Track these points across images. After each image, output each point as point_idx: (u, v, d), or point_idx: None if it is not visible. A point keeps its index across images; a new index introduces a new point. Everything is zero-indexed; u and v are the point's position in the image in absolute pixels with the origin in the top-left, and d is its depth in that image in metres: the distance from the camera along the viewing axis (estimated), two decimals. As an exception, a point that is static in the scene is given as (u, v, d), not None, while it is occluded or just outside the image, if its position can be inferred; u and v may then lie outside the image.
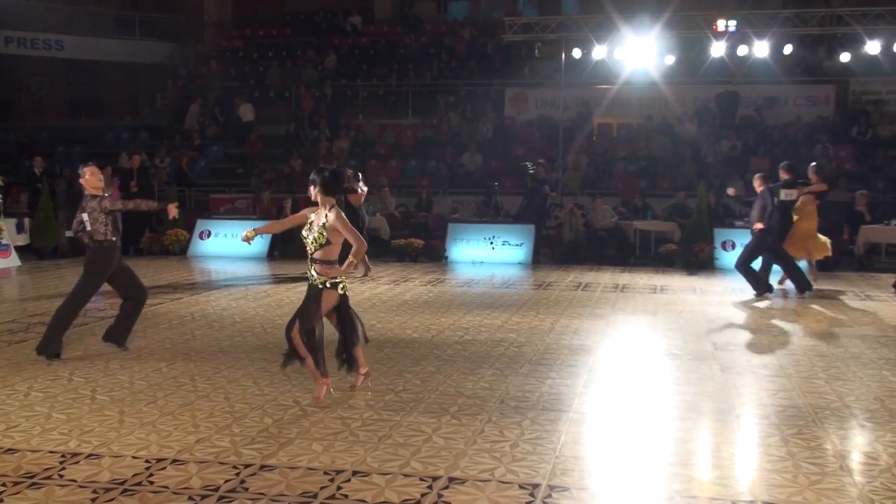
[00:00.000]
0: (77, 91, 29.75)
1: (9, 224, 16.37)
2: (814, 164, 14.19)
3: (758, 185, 12.74)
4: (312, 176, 6.60)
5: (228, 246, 17.94)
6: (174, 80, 27.06)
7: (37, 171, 18.65)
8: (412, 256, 17.30)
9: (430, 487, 4.98)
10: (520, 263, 16.89)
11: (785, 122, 21.64)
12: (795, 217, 13.38)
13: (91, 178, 8.18)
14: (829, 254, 13.91)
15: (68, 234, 17.91)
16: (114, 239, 8.26)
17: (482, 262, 17.01)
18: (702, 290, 13.51)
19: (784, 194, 13.23)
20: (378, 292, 12.87)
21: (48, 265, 16.36)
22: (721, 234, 16.46)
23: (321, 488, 4.95)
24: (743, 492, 5.06)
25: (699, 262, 16.08)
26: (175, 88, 26.86)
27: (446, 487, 4.98)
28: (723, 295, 13.02)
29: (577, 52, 20.56)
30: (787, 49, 20.35)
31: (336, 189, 6.60)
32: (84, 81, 29.48)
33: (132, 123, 26.14)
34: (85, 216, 8.15)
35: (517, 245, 17.25)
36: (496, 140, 22.44)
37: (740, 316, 11.28)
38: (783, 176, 13.32)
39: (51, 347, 8.14)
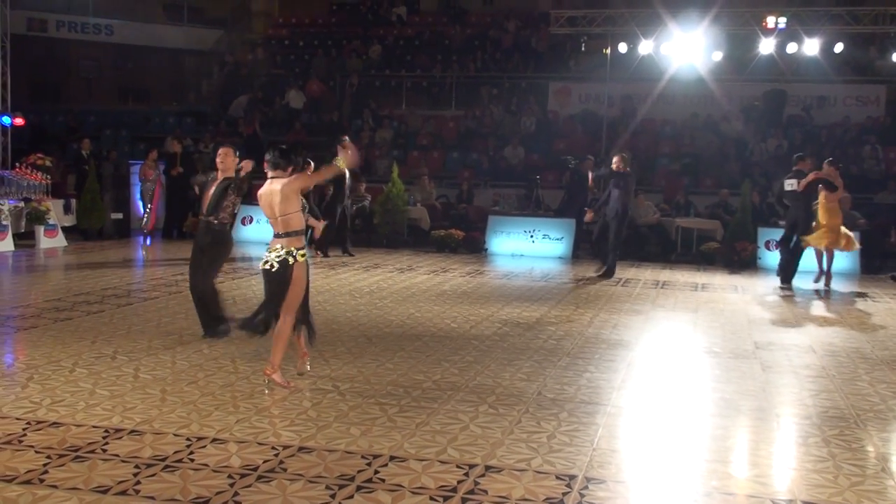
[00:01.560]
0: (125, 76, 30.09)
1: (56, 205, 16.65)
2: (830, 158, 14.04)
3: (615, 165, 13.37)
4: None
5: (270, 231, 18.02)
6: (220, 68, 27.27)
7: (84, 153, 18.92)
8: (452, 247, 17.32)
9: (466, 475, 4.99)
10: (560, 257, 16.84)
11: (833, 122, 21.30)
12: (821, 212, 13.34)
13: (225, 159, 8.13)
14: (856, 247, 13.76)
15: (114, 216, 18.25)
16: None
17: (522, 255, 16.98)
18: (743, 288, 13.38)
19: (787, 185, 13.42)
20: (417, 282, 12.90)
21: (93, 246, 16.62)
22: (764, 234, 16.29)
23: (358, 471, 4.99)
24: (781, 491, 5.01)
25: (741, 260, 15.92)
26: (221, 75, 27.07)
27: (483, 475, 4.99)
28: (765, 294, 12.88)
29: (622, 47, 20.39)
30: (838, 48, 19.97)
31: (281, 165, 6.67)
32: (132, 66, 29.82)
33: (178, 109, 26.41)
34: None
35: (557, 239, 17.20)
36: (539, 134, 22.36)
37: (782, 315, 11.14)
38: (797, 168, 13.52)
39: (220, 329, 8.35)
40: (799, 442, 5.89)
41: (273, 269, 6.57)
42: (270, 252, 6.61)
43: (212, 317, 8.41)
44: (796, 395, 7.09)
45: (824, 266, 13.50)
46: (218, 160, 8.17)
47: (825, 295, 13.09)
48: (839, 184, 13.22)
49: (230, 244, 8.47)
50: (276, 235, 6.64)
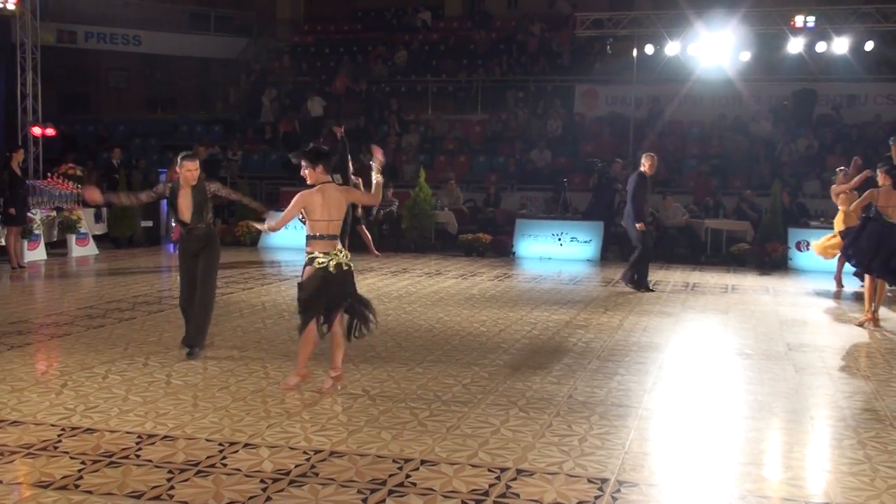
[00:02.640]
0: (153, 85, 30.37)
1: (87, 214, 16.83)
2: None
3: (646, 167, 12.79)
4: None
5: (298, 237, 18.12)
6: (247, 75, 27.45)
7: (114, 162, 19.11)
8: (479, 251, 17.31)
9: (498, 478, 4.98)
10: (588, 260, 16.77)
11: (864, 121, 21.03)
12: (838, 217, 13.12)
13: (196, 171, 8.05)
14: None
15: (144, 224, 18.42)
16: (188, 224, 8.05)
17: (550, 259, 16.94)
18: (775, 290, 13.25)
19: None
20: (445, 286, 12.90)
21: (124, 254, 16.78)
22: (795, 234, 16.14)
23: (390, 476, 4.99)
24: (817, 494, 4.96)
25: (772, 261, 15.78)
26: (248, 83, 27.25)
27: (514, 479, 4.98)
28: (796, 296, 12.75)
29: (649, 48, 20.28)
30: (868, 46, 19.74)
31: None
32: (160, 76, 30.09)
33: (206, 117, 26.59)
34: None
35: (585, 242, 17.13)
36: (565, 136, 22.30)
37: (815, 317, 11.02)
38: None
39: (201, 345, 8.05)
40: (834, 444, 5.82)
41: (346, 269, 6.70)
42: (334, 254, 6.64)
43: (200, 330, 8.03)
44: (830, 396, 7.01)
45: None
46: (190, 173, 7.96)
47: (840, 295, 12.93)
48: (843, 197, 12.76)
49: (218, 243, 8.35)
50: (333, 237, 6.69)
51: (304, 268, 6.72)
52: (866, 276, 10.39)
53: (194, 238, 8.06)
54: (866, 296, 10.27)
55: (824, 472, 5.33)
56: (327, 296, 6.63)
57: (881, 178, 10.20)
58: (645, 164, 12.85)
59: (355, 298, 6.82)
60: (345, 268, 6.68)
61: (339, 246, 6.72)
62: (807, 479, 5.24)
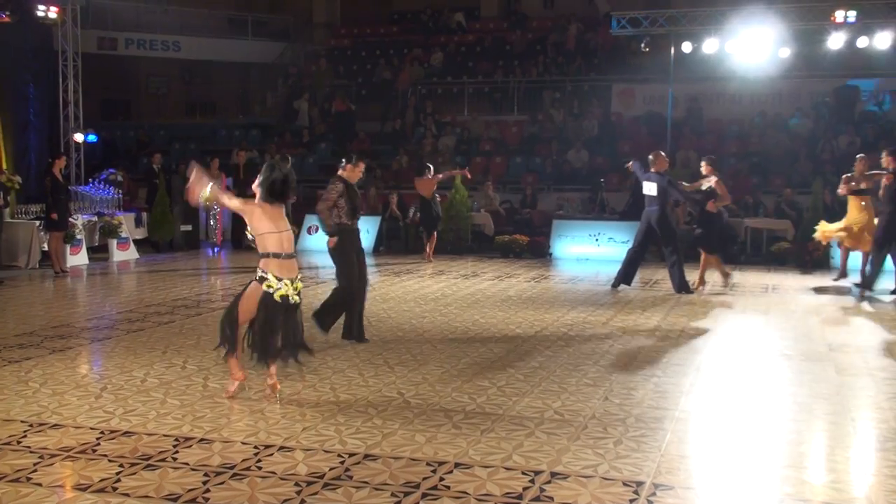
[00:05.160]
0: (192, 90, 30.72)
1: (128, 218, 17.06)
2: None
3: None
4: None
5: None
6: (284, 79, 27.65)
7: (155, 167, 19.32)
8: (516, 253, 17.26)
9: (532, 481, 4.95)
10: (625, 261, 16.61)
11: (908, 116, 20.69)
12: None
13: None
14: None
15: (184, 228, 18.60)
16: (348, 223, 8.59)
17: (587, 259, 16.84)
18: (816, 289, 13.04)
19: None
20: (482, 288, 12.88)
21: (164, 258, 16.97)
22: (837, 233, 15.86)
23: (424, 479, 4.99)
24: (859, 497, 4.88)
25: (813, 261, 15.54)
26: (285, 87, 27.44)
27: (548, 482, 4.95)
28: (838, 295, 12.55)
29: (686, 46, 20.08)
30: (912, 40, 19.38)
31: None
32: (199, 81, 30.41)
33: (244, 121, 26.82)
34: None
35: (623, 242, 16.97)
36: (602, 136, 22.17)
37: (857, 317, 10.84)
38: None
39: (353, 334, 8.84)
40: (876, 447, 5.72)
41: (298, 303, 6.60)
42: (294, 280, 6.50)
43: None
44: (872, 398, 6.89)
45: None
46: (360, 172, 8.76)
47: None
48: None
49: None
50: (291, 256, 6.52)
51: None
52: None
53: (357, 237, 8.82)
54: None
55: (867, 475, 5.24)
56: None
57: None
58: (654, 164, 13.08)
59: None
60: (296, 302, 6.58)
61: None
62: (849, 482, 5.15)
